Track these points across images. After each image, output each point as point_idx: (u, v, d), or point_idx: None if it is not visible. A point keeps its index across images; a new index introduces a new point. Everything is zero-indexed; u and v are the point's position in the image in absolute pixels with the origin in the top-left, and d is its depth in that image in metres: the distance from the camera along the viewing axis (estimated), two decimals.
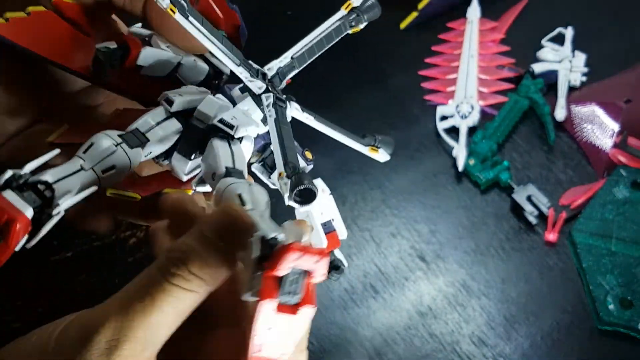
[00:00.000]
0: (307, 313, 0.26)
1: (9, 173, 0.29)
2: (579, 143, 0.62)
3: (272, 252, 0.26)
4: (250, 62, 0.37)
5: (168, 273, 0.26)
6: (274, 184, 0.38)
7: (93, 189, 0.31)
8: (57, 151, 0.31)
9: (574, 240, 0.54)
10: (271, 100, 0.37)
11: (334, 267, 0.36)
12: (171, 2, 0.32)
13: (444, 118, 0.64)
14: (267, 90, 0.37)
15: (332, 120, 0.66)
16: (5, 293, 0.52)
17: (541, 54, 0.68)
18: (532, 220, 0.57)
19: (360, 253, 0.56)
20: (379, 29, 0.73)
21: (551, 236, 0.56)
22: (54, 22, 0.36)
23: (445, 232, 0.57)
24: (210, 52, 0.35)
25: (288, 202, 0.31)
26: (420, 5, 0.71)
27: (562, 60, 0.66)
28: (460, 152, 0.60)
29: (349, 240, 0.57)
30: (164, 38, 0.38)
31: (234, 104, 0.38)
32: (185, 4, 0.32)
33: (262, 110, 0.37)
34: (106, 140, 0.32)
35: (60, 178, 0.30)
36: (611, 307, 0.51)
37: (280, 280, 0.25)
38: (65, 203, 0.30)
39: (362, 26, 0.40)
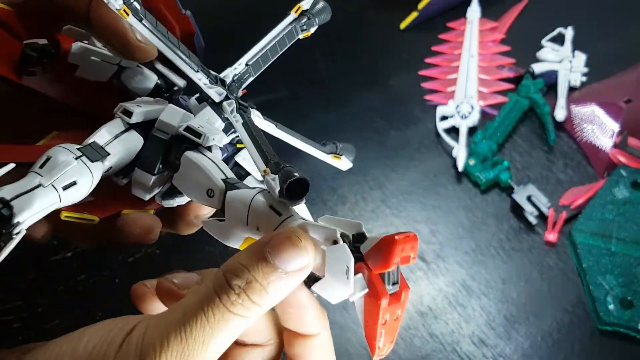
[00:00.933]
0: (407, 297, 0.27)
1: None
2: (579, 143, 0.62)
3: (373, 248, 0.26)
4: (207, 69, 0.35)
5: (229, 302, 0.25)
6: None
7: (55, 205, 0.29)
8: (12, 165, 0.28)
9: (574, 240, 0.54)
10: (234, 106, 0.35)
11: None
12: (124, 3, 0.30)
13: (444, 118, 0.64)
14: (227, 97, 0.35)
15: (333, 121, 0.67)
16: (6, 293, 0.52)
17: (541, 54, 0.68)
18: (532, 220, 0.57)
19: None
20: (379, 29, 0.73)
21: (551, 236, 0.56)
22: None
23: (446, 232, 0.57)
24: (165, 57, 0.33)
25: (279, 198, 0.29)
26: (420, 6, 0.71)
27: (562, 61, 0.67)
28: (460, 152, 0.60)
29: None
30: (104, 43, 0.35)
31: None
32: (138, 6, 0.30)
33: (223, 120, 0.35)
34: (64, 154, 0.29)
35: (18, 195, 0.28)
36: (611, 307, 0.51)
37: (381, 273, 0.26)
38: (26, 222, 0.28)
39: (312, 30, 0.39)
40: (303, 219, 0.29)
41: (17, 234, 0.28)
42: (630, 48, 0.69)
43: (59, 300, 0.52)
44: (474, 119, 0.63)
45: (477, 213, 0.58)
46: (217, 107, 0.35)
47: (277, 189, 0.28)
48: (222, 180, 0.31)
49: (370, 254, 0.26)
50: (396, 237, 0.25)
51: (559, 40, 0.69)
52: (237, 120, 0.34)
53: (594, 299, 0.51)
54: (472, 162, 0.60)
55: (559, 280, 0.54)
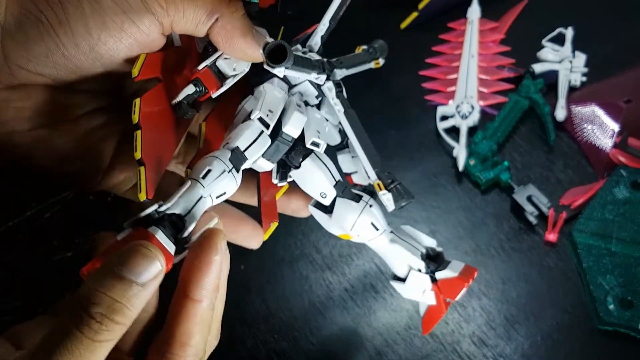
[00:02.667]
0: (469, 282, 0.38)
1: (152, 209, 0.31)
2: (579, 143, 0.62)
3: (447, 281, 0.38)
4: (308, 56, 0.38)
5: (92, 332, 0.25)
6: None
7: (215, 221, 0.34)
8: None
9: (574, 240, 0.54)
10: (334, 91, 0.38)
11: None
12: (285, 68, 0.33)
13: (444, 118, 0.64)
14: (327, 78, 0.38)
15: None
16: (5, 293, 0.52)
17: (541, 54, 0.68)
18: (533, 220, 0.57)
19: (361, 253, 0.56)
20: (379, 29, 0.73)
21: (551, 236, 0.56)
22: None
23: (446, 232, 0.57)
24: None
25: (390, 209, 0.36)
26: (421, 6, 0.71)
27: (563, 61, 0.67)
28: (460, 152, 0.60)
29: (349, 241, 0.57)
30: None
31: (288, 82, 0.39)
32: (294, 62, 0.33)
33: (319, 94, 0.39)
34: (221, 166, 0.34)
35: (189, 210, 0.32)
36: (611, 307, 0.51)
37: None
38: (189, 244, 0.32)
39: (381, 62, 0.46)
40: (396, 234, 0.39)
41: (186, 245, 0.32)
42: (631, 48, 0.69)
43: (59, 300, 0.52)
44: (474, 119, 0.63)
45: (477, 213, 0.58)
46: (318, 88, 0.39)
47: (391, 207, 0.36)
48: (334, 186, 0.37)
49: (443, 283, 0.38)
50: (465, 283, 0.37)
51: (559, 40, 0.69)
52: (339, 110, 0.38)
53: (594, 299, 0.51)
54: (472, 162, 0.60)
55: (559, 281, 0.54)
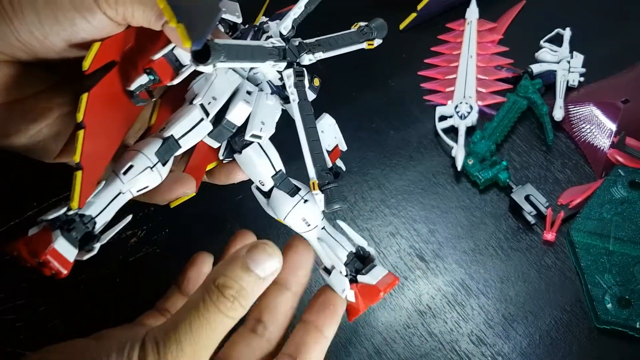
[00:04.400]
0: (390, 288, 0.40)
1: (61, 211, 0.31)
2: (577, 143, 0.62)
3: (365, 286, 0.38)
4: (271, 41, 0.37)
5: (225, 308, 0.33)
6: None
7: (128, 218, 0.35)
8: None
9: (572, 239, 0.55)
10: (292, 80, 0.38)
11: (335, 173, 0.41)
12: (215, 66, 0.32)
13: (442, 118, 0.64)
14: (289, 65, 0.38)
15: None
16: (7, 292, 0.53)
17: (539, 54, 0.68)
18: (531, 219, 0.57)
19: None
20: None
21: (549, 235, 0.56)
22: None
23: (444, 232, 0.58)
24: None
25: (321, 210, 0.36)
26: (420, 6, 0.72)
27: (560, 61, 0.67)
28: (459, 152, 0.60)
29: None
30: None
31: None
32: (225, 57, 0.33)
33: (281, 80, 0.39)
34: (144, 163, 0.34)
35: (102, 210, 0.33)
36: (609, 306, 0.51)
37: None
38: (99, 244, 0.33)
39: (376, 43, 0.44)
40: (327, 231, 0.40)
41: (94, 250, 0.33)
42: (628, 49, 0.69)
43: (60, 299, 0.52)
44: (472, 119, 0.63)
45: (475, 212, 0.59)
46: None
47: (321, 208, 0.36)
48: (272, 177, 0.38)
49: (362, 287, 0.39)
50: (381, 293, 0.38)
51: (557, 40, 0.69)
52: (293, 100, 0.37)
53: (592, 297, 0.52)
54: (470, 161, 0.60)
55: (557, 280, 0.54)
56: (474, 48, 0.69)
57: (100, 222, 0.33)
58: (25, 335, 0.50)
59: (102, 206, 0.33)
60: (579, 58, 0.67)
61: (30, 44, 0.34)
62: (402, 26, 0.73)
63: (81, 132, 0.31)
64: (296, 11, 0.39)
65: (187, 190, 0.41)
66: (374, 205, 0.59)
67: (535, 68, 0.66)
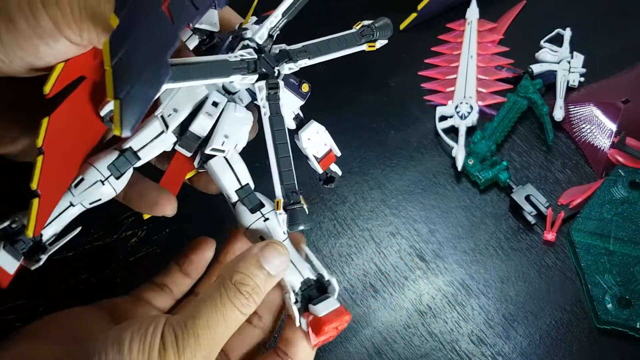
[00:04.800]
0: (342, 325, 0.38)
1: (4, 224, 0.31)
2: (577, 143, 0.62)
3: (314, 320, 0.36)
4: (241, 53, 0.36)
5: (240, 304, 0.34)
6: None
7: (76, 231, 0.34)
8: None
9: (572, 239, 0.55)
10: (264, 92, 0.36)
11: (329, 178, 0.41)
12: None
13: (443, 118, 0.64)
14: (260, 78, 0.36)
15: (333, 121, 0.67)
16: (7, 292, 0.52)
17: (540, 54, 0.68)
18: (531, 219, 0.57)
19: (360, 252, 0.57)
20: None
21: (550, 236, 0.56)
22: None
23: (445, 232, 0.58)
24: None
25: (284, 230, 0.37)
26: (420, 6, 0.72)
27: (561, 61, 0.67)
28: (459, 152, 0.60)
29: (349, 240, 0.57)
30: None
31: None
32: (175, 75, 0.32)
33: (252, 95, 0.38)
34: (94, 176, 0.33)
35: (50, 222, 0.32)
36: (609, 306, 0.51)
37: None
38: (46, 256, 0.32)
39: (377, 45, 0.43)
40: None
41: (40, 261, 0.33)
42: (628, 49, 0.69)
43: (60, 300, 0.52)
44: (472, 119, 0.63)
45: (476, 213, 0.59)
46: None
47: (284, 228, 0.36)
48: (236, 191, 0.38)
49: (313, 319, 0.37)
50: (325, 327, 0.36)
51: (558, 41, 0.69)
52: (264, 113, 0.36)
53: (592, 298, 0.52)
54: (471, 162, 0.60)
55: (558, 280, 0.54)
56: (474, 48, 0.69)
57: (49, 234, 0.32)
58: None
59: (51, 218, 0.32)
60: (579, 58, 0.67)
61: None
62: (402, 26, 0.73)
63: (40, 158, 0.29)
64: (272, 20, 0.37)
65: (168, 212, 0.41)
66: (374, 205, 0.59)
67: (536, 68, 0.66)
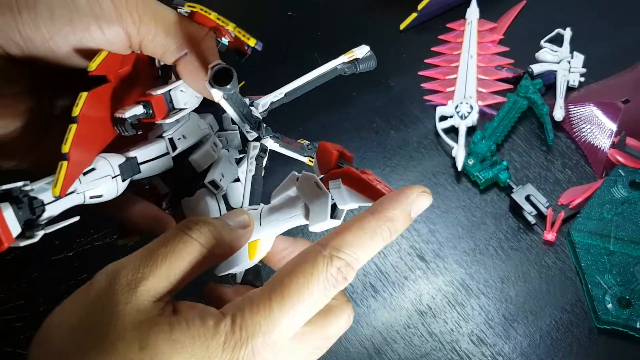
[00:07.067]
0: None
1: (17, 185, 0.30)
2: (577, 143, 0.62)
3: (318, 162, 0.33)
4: (252, 110, 0.39)
5: (187, 229, 0.30)
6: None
7: (75, 219, 0.33)
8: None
9: (572, 239, 0.55)
10: (257, 152, 0.39)
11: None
12: (224, 97, 0.34)
13: (443, 118, 0.64)
14: (257, 139, 0.39)
15: (333, 121, 0.67)
16: (7, 292, 0.53)
17: (540, 54, 0.68)
18: (531, 219, 0.57)
19: None
20: (379, 29, 0.73)
21: (550, 236, 0.56)
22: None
23: (445, 232, 0.58)
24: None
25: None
26: (420, 6, 0.72)
27: (561, 61, 0.67)
28: (459, 152, 0.60)
29: None
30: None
31: (220, 125, 0.40)
32: (234, 94, 0.34)
33: (245, 151, 0.40)
34: (106, 169, 0.33)
35: (54, 200, 0.31)
36: (609, 306, 0.51)
37: None
38: (41, 232, 0.31)
39: (349, 72, 0.43)
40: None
41: (35, 237, 0.31)
42: (628, 49, 0.69)
43: (60, 299, 0.52)
44: (473, 119, 0.63)
45: (476, 213, 0.59)
46: (245, 139, 0.40)
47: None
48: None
49: (321, 167, 0.33)
50: (322, 142, 0.33)
51: (558, 41, 0.69)
52: (250, 170, 0.38)
53: (592, 297, 0.52)
54: (471, 162, 0.60)
55: (558, 280, 0.54)
56: (474, 48, 0.69)
57: (48, 213, 0.32)
58: (25, 335, 0.50)
59: (55, 197, 0.32)
60: (579, 58, 0.67)
61: (31, 41, 0.32)
62: (402, 26, 0.73)
63: (74, 126, 0.31)
64: (276, 95, 0.40)
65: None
66: None
67: (536, 68, 0.66)
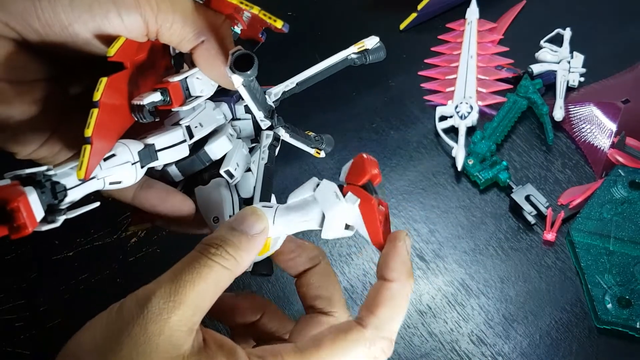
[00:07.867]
0: (387, 210, 0.37)
1: (40, 169, 0.30)
2: (577, 143, 0.62)
3: (350, 171, 0.35)
4: (267, 99, 0.39)
5: (209, 253, 0.31)
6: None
7: (96, 204, 0.33)
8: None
9: (572, 239, 0.55)
10: (270, 140, 0.39)
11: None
12: (243, 84, 0.34)
13: (443, 118, 0.64)
14: (270, 128, 0.39)
15: (333, 121, 0.67)
16: (7, 292, 0.53)
17: (539, 54, 0.68)
18: (531, 219, 0.57)
19: (360, 253, 0.57)
20: (378, 29, 0.73)
21: (550, 236, 0.56)
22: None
23: (445, 232, 0.58)
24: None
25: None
26: (420, 6, 0.72)
27: (561, 61, 0.67)
28: (459, 152, 0.60)
29: (349, 240, 0.57)
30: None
31: (233, 116, 0.40)
32: (252, 82, 0.34)
33: (258, 140, 0.40)
34: (126, 155, 0.34)
35: (77, 184, 0.32)
36: (609, 306, 0.51)
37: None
38: (63, 217, 0.32)
39: (359, 63, 0.43)
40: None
41: (56, 222, 0.31)
42: (628, 49, 0.69)
43: (60, 299, 0.52)
44: (472, 119, 0.63)
45: (475, 213, 0.59)
46: (258, 129, 0.40)
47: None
48: (230, 216, 0.37)
49: (349, 176, 0.35)
50: (364, 155, 0.36)
51: (558, 41, 0.69)
52: (262, 158, 0.39)
53: (592, 297, 0.52)
54: (471, 162, 0.60)
55: (558, 280, 0.54)
56: (474, 48, 0.69)
57: (69, 198, 0.32)
58: (25, 335, 0.50)
59: (77, 182, 0.32)
60: (579, 58, 0.67)
61: (49, 27, 0.32)
62: (402, 26, 0.73)
63: (95, 110, 0.31)
64: (288, 84, 0.41)
65: (185, 209, 0.39)
66: None
67: (536, 68, 0.66)
